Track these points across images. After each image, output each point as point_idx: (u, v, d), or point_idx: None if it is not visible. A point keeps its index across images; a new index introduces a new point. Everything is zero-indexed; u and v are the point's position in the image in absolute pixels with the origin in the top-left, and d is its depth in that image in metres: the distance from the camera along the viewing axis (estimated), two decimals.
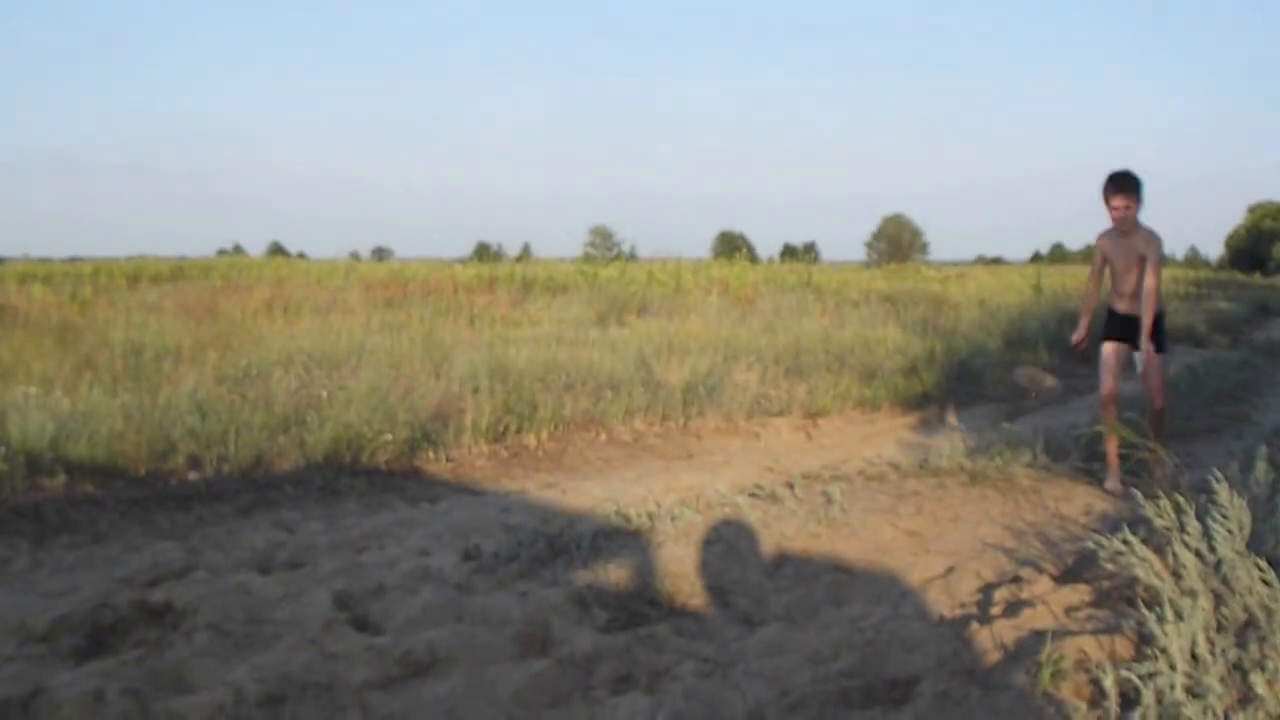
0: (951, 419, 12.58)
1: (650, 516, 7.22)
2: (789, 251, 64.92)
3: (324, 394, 10.85)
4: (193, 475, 8.77)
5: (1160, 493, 5.60)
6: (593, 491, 8.61)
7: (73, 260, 44.52)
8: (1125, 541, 5.30)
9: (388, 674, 4.76)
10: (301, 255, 72.75)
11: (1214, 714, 3.74)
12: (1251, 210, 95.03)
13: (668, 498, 7.95)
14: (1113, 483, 8.22)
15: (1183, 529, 5.02)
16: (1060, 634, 4.46)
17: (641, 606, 5.73)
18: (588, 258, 53.53)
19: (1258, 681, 3.86)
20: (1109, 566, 5.37)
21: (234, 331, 16.53)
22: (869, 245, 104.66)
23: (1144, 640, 4.37)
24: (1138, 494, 5.73)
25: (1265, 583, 4.50)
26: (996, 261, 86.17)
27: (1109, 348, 8.75)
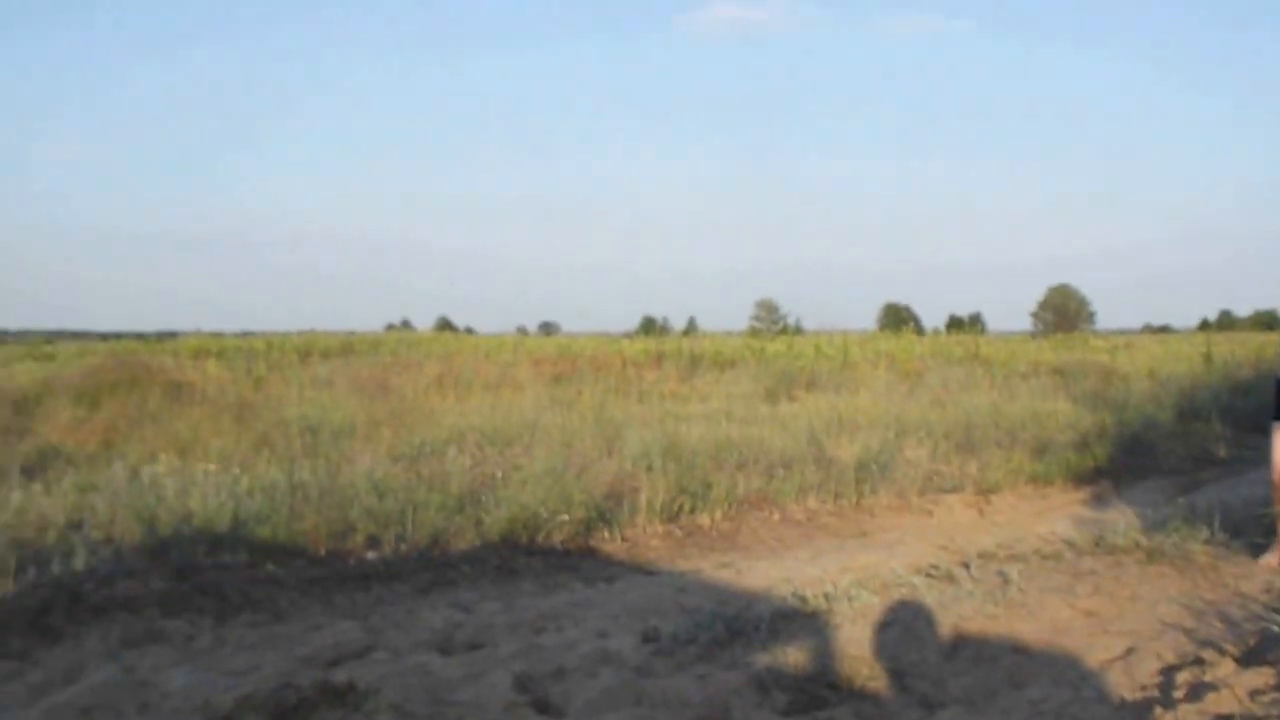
0: (1127, 492, 12.45)
1: (827, 598, 7.24)
2: (955, 322, 64.17)
3: (499, 473, 11.02)
4: (371, 555, 8.96)
5: None
6: (768, 571, 8.66)
7: (244, 335, 45.57)
8: None
9: None
10: (469, 330, 73.50)
11: None
12: None
13: (843, 578, 7.96)
14: (1275, 556, 7.97)
15: None
16: (1246, 718, 4.43)
17: (820, 689, 5.77)
18: (754, 331, 53.51)
19: None
20: None
21: (406, 409, 16.85)
22: (1035, 315, 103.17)
23: None
24: None
25: None
26: (1164, 330, 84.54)
27: None
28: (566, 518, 9.80)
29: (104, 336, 54.89)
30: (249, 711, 5.32)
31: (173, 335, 46.87)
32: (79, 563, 7.65)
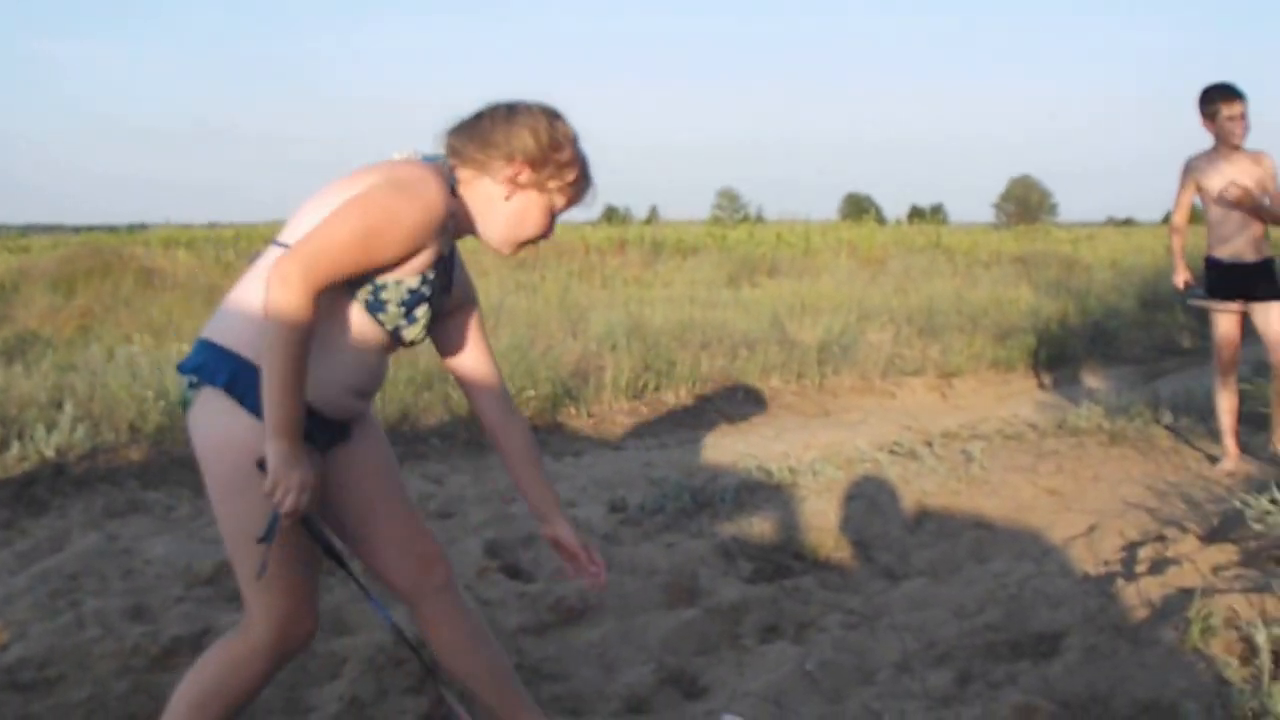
0: (1089, 380, 12.53)
1: (792, 471, 7.29)
2: (916, 213, 64.18)
3: None
4: None
5: None
6: (733, 447, 8.70)
7: (212, 226, 45.28)
8: (1274, 501, 5.30)
9: (541, 620, 4.91)
10: None
11: None
12: None
13: (807, 454, 8.03)
14: (1230, 462, 7.56)
15: None
16: (1208, 591, 4.46)
17: (786, 559, 5.83)
18: (716, 220, 53.37)
19: None
20: (1256, 527, 5.34)
21: None
22: (997, 206, 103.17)
23: None
24: None
25: None
26: (1127, 223, 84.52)
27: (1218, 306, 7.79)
28: (533, 394, 9.81)
29: (76, 229, 54.56)
30: (228, 575, 5.30)
31: (143, 227, 46.63)
32: (61, 438, 7.68)
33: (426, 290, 3.00)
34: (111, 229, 48.47)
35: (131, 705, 3.97)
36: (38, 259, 23.05)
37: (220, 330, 2.98)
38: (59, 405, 8.30)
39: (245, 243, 29.54)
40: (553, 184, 3.09)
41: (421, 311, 3.01)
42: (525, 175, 3.05)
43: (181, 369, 3.02)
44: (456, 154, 3.08)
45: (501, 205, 3.08)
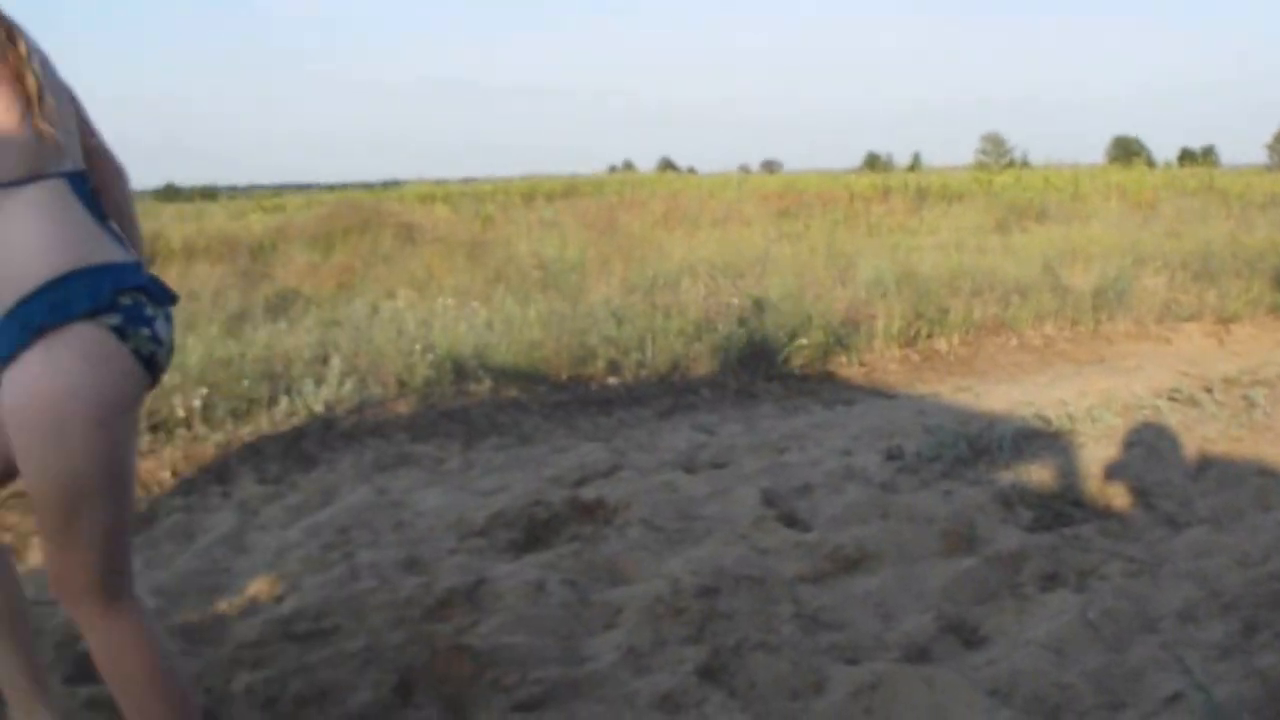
0: None
1: (1070, 418, 7.25)
2: (1187, 156, 62.16)
3: (733, 301, 11.13)
4: (612, 380, 9.14)
5: None
6: (1007, 394, 8.65)
7: (467, 181, 46.07)
8: None
9: (817, 568, 4.91)
10: (691, 170, 73.19)
11: None
12: None
13: (1084, 401, 7.94)
14: None
15: None
16: None
17: (1065, 507, 5.79)
18: (980, 165, 52.45)
19: None
20: None
21: (635, 244, 16.96)
22: (1271, 148, 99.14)
23: None
24: None
25: None
26: None
27: None
28: (804, 342, 9.88)
29: (330, 188, 55.83)
30: (501, 527, 5.49)
31: (397, 184, 47.61)
32: (329, 393, 7.92)
33: None
34: (366, 186, 49.63)
35: (407, 655, 4.00)
36: (294, 217, 23.62)
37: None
38: (324, 360, 8.53)
39: (502, 196, 29.97)
40: None
41: None
42: None
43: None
44: None
45: None
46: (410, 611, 4.43)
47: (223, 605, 4.68)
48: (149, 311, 2.75)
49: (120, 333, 2.67)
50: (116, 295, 2.68)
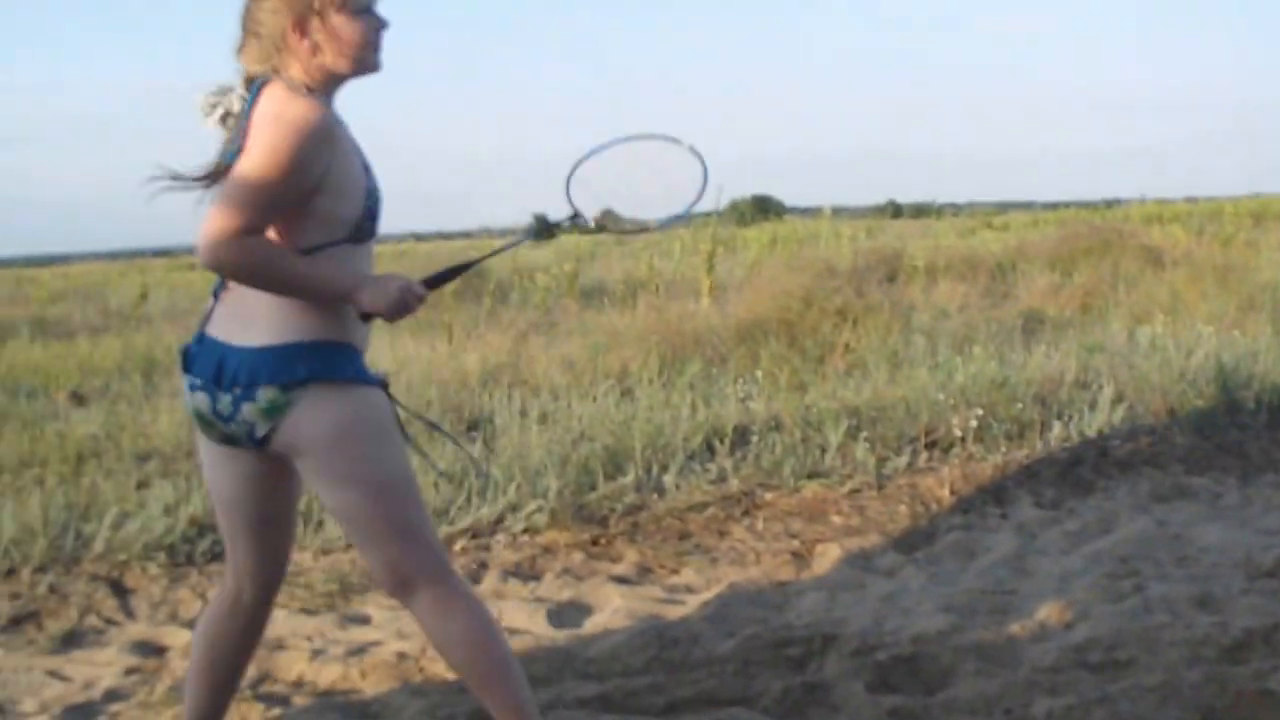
0: None
1: None
2: None
3: None
4: None
5: None
6: None
7: (1190, 200, 44.68)
8: None
9: None
10: None
11: None
12: None
13: None
14: None
15: None
16: None
17: None
18: None
19: None
20: None
21: None
22: None
23: None
24: None
25: None
26: None
27: None
28: None
29: (1050, 206, 55.52)
30: None
31: (1118, 203, 46.79)
32: (1100, 420, 7.92)
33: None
34: (1084, 204, 48.99)
35: (1204, 695, 3.93)
36: (1024, 236, 23.65)
37: (269, 332, 3.12)
38: (1088, 386, 8.61)
39: (1232, 216, 28.62)
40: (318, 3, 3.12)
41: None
42: (303, 25, 3.11)
43: (246, 381, 3.13)
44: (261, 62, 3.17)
45: (316, 56, 3.15)
46: (1206, 650, 4.37)
47: (1014, 627, 4.83)
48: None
49: None
50: None
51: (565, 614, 5.40)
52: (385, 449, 3.20)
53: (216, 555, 6.00)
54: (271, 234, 3.06)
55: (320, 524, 6.39)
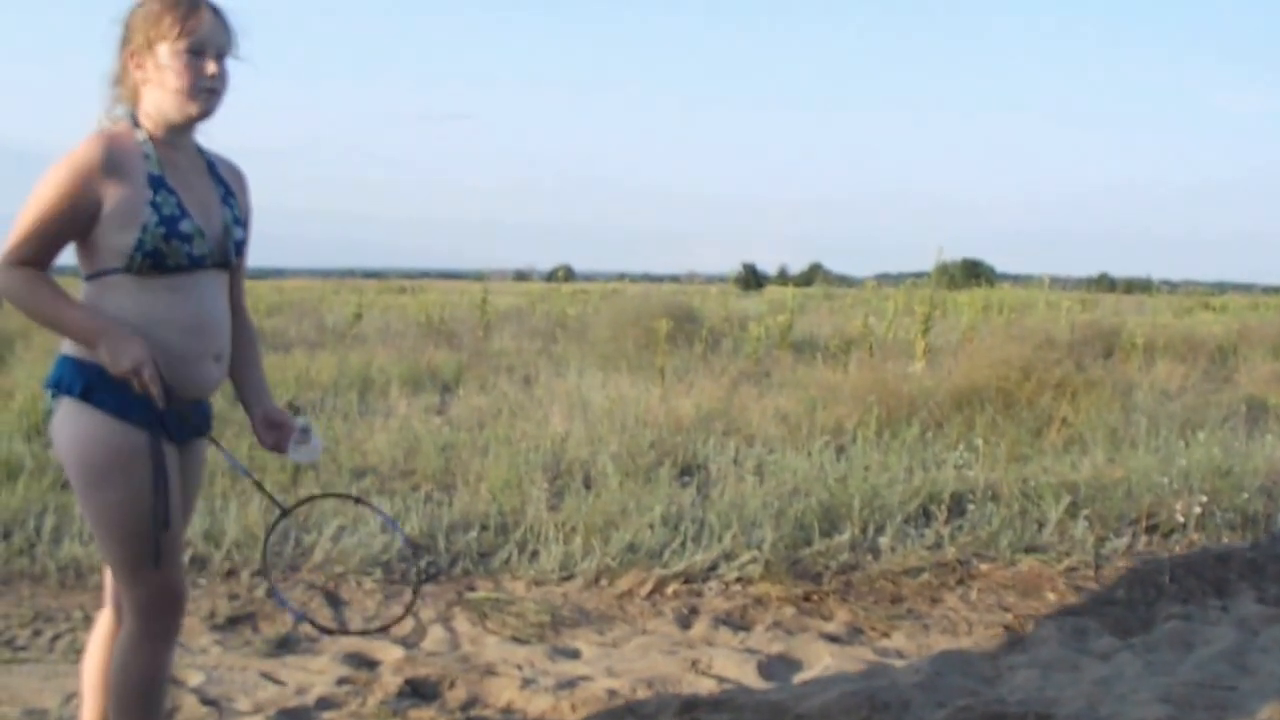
0: None
1: None
2: None
3: None
4: None
5: None
6: None
7: None
8: None
9: None
10: None
11: None
12: None
13: None
14: None
15: None
16: None
17: None
18: None
19: None
20: None
21: None
22: None
23: None
24: None
25: None
26: None
27: None
28: None
29: (1270, 290, 54.51)
30: None
31: None
32: None
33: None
34: None
35: None
36: (1245, 319, 23.22)
37: (67, 341, 3.27)
38: None
39: None
40: (154, 34, 3.23)
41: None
42: (136, 53, 3.26)
43: (45, 384, 3.31)
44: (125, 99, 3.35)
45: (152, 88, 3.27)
46: None
47: None
48: None
49: None
50: None
51: (775, 667, 5.45)
52: (105, 490, 3.24)
53: (431, 576, 6.18)
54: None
55: (535, 554, 6.53)
